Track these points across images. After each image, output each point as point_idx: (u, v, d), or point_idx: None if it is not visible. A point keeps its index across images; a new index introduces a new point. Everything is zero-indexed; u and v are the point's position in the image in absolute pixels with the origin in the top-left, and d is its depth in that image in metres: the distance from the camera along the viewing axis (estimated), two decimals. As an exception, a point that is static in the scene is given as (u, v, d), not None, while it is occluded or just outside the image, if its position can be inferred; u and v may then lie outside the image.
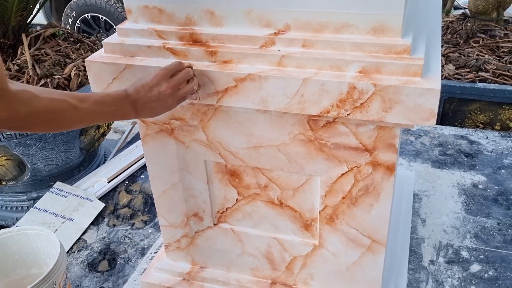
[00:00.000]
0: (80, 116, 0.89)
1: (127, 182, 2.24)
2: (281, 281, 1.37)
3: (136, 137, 2.70)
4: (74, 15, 4.18)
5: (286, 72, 0.96)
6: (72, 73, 2.03)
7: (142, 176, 2.27)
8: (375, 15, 0.91)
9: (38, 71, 1.96)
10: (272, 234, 1.30)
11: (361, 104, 0.93)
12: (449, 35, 2.73)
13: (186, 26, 1.05)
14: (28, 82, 1.94)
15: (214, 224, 1.35)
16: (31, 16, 2.17)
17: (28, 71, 1.94)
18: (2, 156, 1.95)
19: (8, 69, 2.00)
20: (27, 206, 2.14)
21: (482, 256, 1.61)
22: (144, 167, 2.30)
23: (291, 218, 1.25)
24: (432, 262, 1.60)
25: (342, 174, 1.11)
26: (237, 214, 1.31)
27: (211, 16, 1.03)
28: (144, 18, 1.07)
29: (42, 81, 1.95)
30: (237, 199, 1.28)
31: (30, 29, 2.21)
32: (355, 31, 0.94)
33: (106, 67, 1.08)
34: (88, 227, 1.97)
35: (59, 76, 1.99)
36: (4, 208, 2.19)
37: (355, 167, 1.08)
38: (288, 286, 1.36)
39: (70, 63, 2.10)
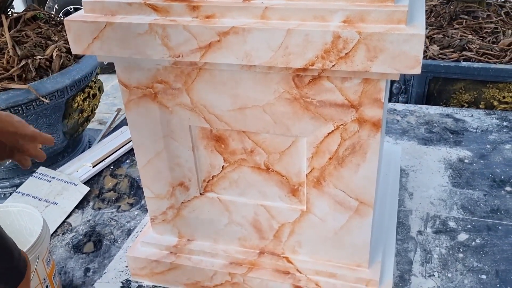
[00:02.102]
0: None
1: (112, 167, 2.20)
2: (269, 250, 1.35)
3: (121, 125, 2.67)
4: (57, 7, 4.13)
5: (270, 24, 0.95)
6: (54, 54, 1.99)
7: (127, 161, 2.24)
8: (358, -38, 0.90)
9: (19, 52, 1.93)
10: (259, 202, 1.28)
11: (346, 54, 0.92)
12: (433, 18, 2.75)
13: (168, -18, 1.03)
14: (8, 63, 1.91)
15: (201, 194, 1.33)
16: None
17: (8, 51, 1.91)
18: (-18, 139, 1.91)
19: (-12, 50, 1.96)
20: (10, 193, 2.09)
21: (469, 226, 1.61)
22: (129, 152, 2.27)
23: (278, 183, 1.24)
24: (420, 232, 1.60)
25: (329, 134, 1.10)
26: (224, 182, 1.29)
27: (192, -29, 1.01)
28: (124, -24, 1.05)
29: (23, 62, 1.91)
30: (223, 166, 1.26)
31: (10, 11, 2.17)
32: (338, -19, 0.93)
33: (86, 26, 1.05)
34: (73, 211, 1.93)
35: (40, 57, 1.95)
36: (-15, 195, 2.15)
37: (341, 125, 1.08)
38: (276, 255, 1.35)
39: (52, 44, 2.06)
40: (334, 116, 1.07)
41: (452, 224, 1.63)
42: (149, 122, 1.22)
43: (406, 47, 0.88)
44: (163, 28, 1.01)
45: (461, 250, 1.52)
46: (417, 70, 0.90)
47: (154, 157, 1.28)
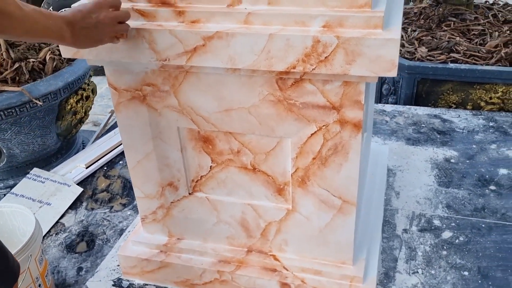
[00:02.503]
0: (22, 14, 0.86)
1: (105, 168, 2.23)
2: (256, 249, 1.39)
3: (115, 126, 2.70)
4: (51, 10, 4.16)
5: (253, 29, 0.99)
6: (47, 57, 2.02)
7: (120, 162, 2.27)
8: (337, -30, 0.94)
9: (12, 54, 1.95)
10: (246, 201, 1.31)
11: (325, 57, 0.96)
12: (422, 20, 2.79)
13: (155, -12, 1.07)
14: (1, 66, 1.93)
15: (189, 194, 1.36)
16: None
17: (2, 54, 1.93)
18: (-24, 141, 1.94)
19: (-18, 53, 1.98)
20: (4, 194, 2.12)
21: (454, 224, 1.65)
22: (122, 153, 2.30)
23: (264, 183, 1.27)
24: (405, 230, 1.64)
25: (312, 134, 1.14)
26: (212, 182, 1.32)
27: (178, -23, 1.04)
28: (112, -18, 1.08)
29: (17, 65, 1.94)
30: (211, 166, 1.29)
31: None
32: (318, -13, 0.97)
33: (75, 31, 1.08)
34: (66, 211, 1.96)
35: (33, 60, 1.98)
36: (-21, 196, 2.17)
37: (323, 126, 1.11)
38: (264, 253, 1.38)
39: (45, 47, 2.09)
40: (316, 118, 1.11)
41: (436, 222, 1.67)
42: (138, 124, 1.26)
43: (382, 51, 0.92)
44: (150, 33, 1.04)
45: (445, 248, 1.55)
46: (393, 73, 0.94)
47: (143, 158, 1.31)
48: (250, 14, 0.99)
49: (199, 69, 1.10)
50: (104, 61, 1.14)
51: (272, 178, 1.26)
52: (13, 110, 1.89)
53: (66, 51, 1.13)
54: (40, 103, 1.91)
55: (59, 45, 1.12)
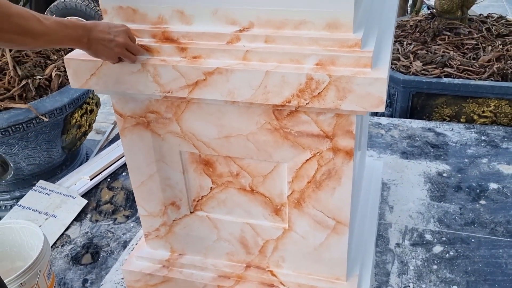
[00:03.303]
0: (43, 28, 0.95)
1: (109, 180, 2.30)
2: (255, 264, 1.46)
3: (118, 137, 2.77)
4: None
5: (250, 65, 1.05)
6: (53, 74, 2.09)
7: (123, 174, 2.34)
8: (329, 12, 1.01)
9: (19, 72, 2.02)
10: (245, 220, 1.38)
11: (318, 93, 1.02)
12: (418, 33, 2.85)
13: (158, 24, 1.13)
14: (9, 83, 2.00)
15: (191, 212, 1.43)
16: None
17: (9, 72, 2.00)
18: (-15, 156, 2.01)
19: (-10, 70, 2.05)
20: (11, 205, 2.19)
21: (444, 238, 1.72)
22: (125, 165, 2.37)
23: (262, 203, 1.34)
24: (398, 245, 1.70)
25: (307, 160, 1.20)
26: (212, 201, 1.39)
27: (181, 15, 1.11)
28: (119, 18, 1.15)
29: (23, 82, 2.01)
30: (211, 187, 1.36)
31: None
32: (312, 27, 1.04)
33: (84, 64, 1.15)
34: (71, 223, 2.03)
35: (40, 77, 2.05)
36: (-13, 207, 2.24)
37: (317, 153, 1.18)
38: (262, 269, 1.45)
39: (51, 64, 2.16)
40: (311, 145, 1.17)
41: (428, 236, 1.73)
42: (142, 148, 1.32)
43: (371, 89, 0.98)
44: (155, 67, 1.11)
45: (435, 262, 1.62)
46: (381, 109, 1.00)
47: (147, 179, 1.38)
48: (248, 51, 1.06)
49: (200, 100, 1.16)
50: (111, 91, 1.20)
51: (270, 199, 1.33)
52: (20, 126, 1.96)
53: (75, 82, 1.19)
54: (46, 119, 1.98)
55: (67, 75, 1.19)
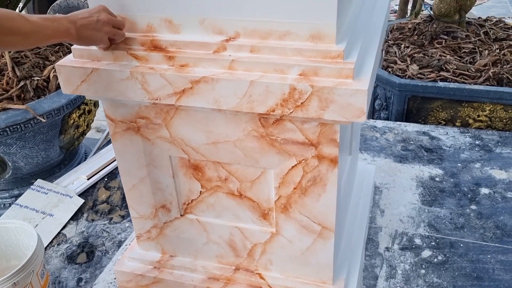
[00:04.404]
0: (30, 26, 0.97)
1: (106, 179, 2.33)
2: (243, 267, 1.48)
3: (116, 136, 2.79)
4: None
5: (236, 75, 1.08)
6: (51, 75, 2.12)
7: (120, 173, 2.36)
8: (312, 24, 1.02)
9: (18, 73, 2.05)
10: (234, 224, 1.41)
11: (301, 103, 1.05)
12: (416, 36, 2.86)
13: (147, 33, 1.16)
14: (7, 84, 2.03)
15: (181, 215, 1.45)
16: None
17: (8, 73, 2.03)
18: (-17, 155, 2.04)
19: (-11, 71, 2.08)
20: (9, 203, 2.22)
21: (433, 243, 1.74)
22: (122, 165, 2.40)
23: (250, 208, 1.37)
24: (387, 249, 1.72)
25: (292, 167, 1.22)
26: (202, 205, 1.42)
27: (169, 24, 1.13)
28: (109, 26, 1.17)
29: (22, 83, 2.04)
30: (200, 191, 1.39)
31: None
32: (296, 38, 1.06)
33: (75, 71, 1.18)
34: (68, 222, 2.07)
35: (38, 78, 2.08)
36: (-14, 205, 2.28)
37: (303, 160, 1.20)
38: (250, 272, 1.48)
39: (49, 65, 2.19)
40: (296, 152, 1.20)
41: (417, 241, 1.75)
42: (133, 152, 1.35)
43: (352, 100, 1.00)
44: (143, 75, 1.13)
45: (424, 267, 1.64)
46: (363, 119, 1.02)
47: (138, 182, 1.41)
48: (234, 61, 1.08)
49: (188, 107, 1.19)
50: (101, 97, 1.23)
51: (257, 203, 1.35)
52: (18, 127, 1.99)
53: (66, 88, 1.22)
54: (44, 120, 2.01)
55: (59, 81, 1.21)
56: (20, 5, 2.27)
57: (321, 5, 1.00)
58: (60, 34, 1.04)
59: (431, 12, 3.02)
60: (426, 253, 1.69)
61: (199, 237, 1.47)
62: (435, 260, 1.66)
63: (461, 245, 1.72)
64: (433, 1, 2.94)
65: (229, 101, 1.10)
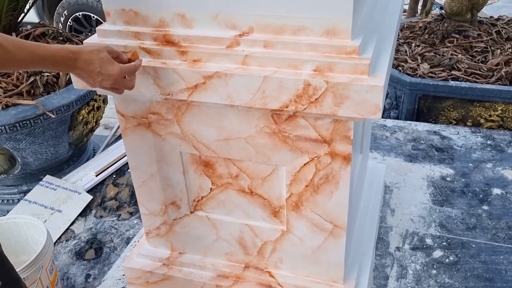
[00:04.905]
0: (9, 59, 0.89)
1: (114, 176, 2.33)
2: (253, 265, 1.47)
3: (124, 133, 2.79)
4: (66, 13, 4.27)
5: (249, 70, 1.06)
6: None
7: (129, 170, 2.36)
8: (327, 19, 1.01)
9: (28, 69, 2.05)
10: (244, 221, 1.40)
11: (315, 99, 1.03)
12: (427, 35, 2.84)
13: (160, 27, 1.15)
14: (18, 79, 2.03)
15: (191, 212, 1.44)
16: (22, 15, 2.26)
17: (18, 69, 2.03)
18: (-7, 150, 2.04)
19: (-1, 67, 2.08)
20: (18, 199, 2.22)
21: (445, 243, 1.72)
22: (131, 162, 2.39)
23: (260, 205, 1.35)
24: (398, 248, 1.71)
25: (305, 164, 1.21)
26: (212, 202, 1.40)
27: (182, 18, 1.12)
28: (121, 20, 1.17)
29: (32, 78, 2.04)
30: (211, 188, 1.38)
31: (21, 28, 2.30)
32: (310, 33, 1.04)
33: (86, 65, 1.17)
34: (76, 218, 2.06)
35: (48, 74, 2.08)
36: (-5, 200, 2.28)
37: (315, 157, 1.19)
38: (260, 270, 1.46)
39: (59, 61, 2.18)
40: (309, 149, 1.18)
41: (429, 241, 1.73)
42: (144, 148, 1.34)
43: (367, 96, 0.99)
44: (155, 70, 1.12)
45: (435, 267, 1.62)
46: (378, 116, 1.01)
47: (148, 178, 1.40)
48: (247, 56, 1.07)
49: (200, 102, 1.18)
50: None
51: (268, 201, 1.34)
52: (27, 122, 1.99)
53: (78, 82, 1.21)
54: (54, 116, 2.01)
55: (70, 75, 1.20)
56: (30, 1, 2.27)
57: (337, 0, 0.99)
58: (54, 67, 0.97)
59: (442, 11, 2.99)
60: (438, 253, 1.67)
61: (208, 234, 1.46)
62: (447, 260, 1.64)
63: (473, 245, 1.70)
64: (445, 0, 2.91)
65: (242, 97, 1.09)
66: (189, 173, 1.37)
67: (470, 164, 2.12)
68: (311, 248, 1.36)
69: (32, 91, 2.04)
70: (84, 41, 1.20)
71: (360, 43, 1.01)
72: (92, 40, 1.20)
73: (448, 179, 2.04)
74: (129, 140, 1.35)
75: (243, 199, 1.36)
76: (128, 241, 1.92)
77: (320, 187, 1.23)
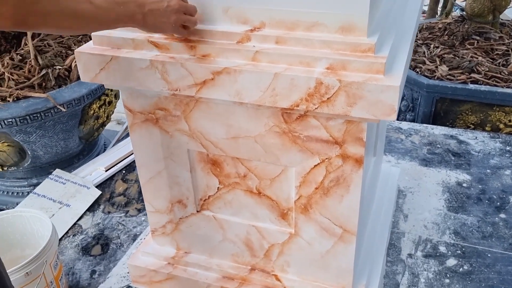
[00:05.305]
0: (93, 9, 0.89)
1: (124, 171, 2.31)
2: (260, 268, 1.43)
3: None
4: None
5: (259, 67, 1.03)
6: (73, 64, 2.10)
7: (138, 166, 2.34)
8: (342, 15, 0.97)
9: (40, 61, 2.04)
10: (251, 222, 1.36)
11: (327, 98, 0.99)
12: (446, 36, 2.76)
13: (169, 21, 1.11)
14: (29, 72, 2.02)
15: (197, 211, 1.41)
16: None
17: (31, 61, 2.02)
18: (3, 143, 2.04)
19: (12, 58, 2.08)
20: (28, 192, 2.22)
21: (459, 252, 1.66)
22: (141, 158, 2.37)
23: (268, 207, 1.31)
24: (410, 255, 1.65)
25: (315, 166, 1.17)
26: (219, 202, 1.37)
27: (192, 12, 1.09)
28: (130, 13, 1.13)
29: (44, 71, 2.03)
30: (218, 187, 1.34)
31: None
32: (324, 30, 1.00)
33: (94, 58, 1.14)
34: (84, 213, 2.05)
35: (60, 67, 2.07)
36: (5, 193, 2.28)
37: (326, 159, 1.14)
38: (267, 273, 1.43)
39: (72, 54, 2.17)
40: (320, 151, 1.14)
41: (442, 248, 1.68)
42: (151, 144, 1.31)
43: (382, 96, 0.94)
44: (163, 64, 1.09)
45: (448, 276, 1.57)
46: (393, 117, 0.96)
47: (155, 175, 1.37)
48: (258, 52, 1.03)
49: (209, 99, 1.14)
50: (120, 86, 1.19)
51: (276, 202, 1.30)
52: (38, 115, 1.98)
53: (85, 76, 1.19)
54: (64, 110, 2.00)
55: (78, 68, 1.18)
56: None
57: (352, -5, 0.94)
58: (125, 19, 0.96)
59: (463, 13, 2.91)
60: (451, 262, 1.62)
61: (215, 234, 1.43)
62: (461, 269, 1.59)
63: (489, 255, 1.64)
64: (466, 0, 2.84)
65: (251, 94, 1.05)
66: (196, 171, 1.34)
67: (488, 170, 2.05)
68: (319, 253, 1.32)
69: (44, 84, 2.03)
70: (92, 34, 1.17)
71: (376, 41, 0.97)
72: (100, 32, 1.17)
73: (464, 185, 1.98)
74: (136, 136, 1.32)
75: (250, 200, 1.32)
76: (135, 238, 1.90)
77: (330, 190, 1.19)
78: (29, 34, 2.12)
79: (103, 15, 0.92)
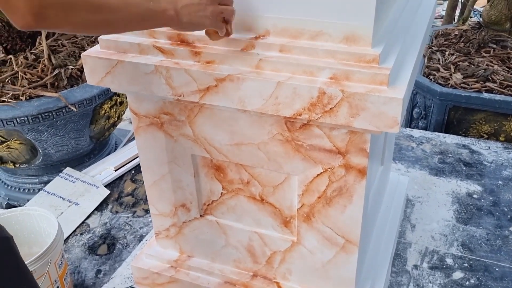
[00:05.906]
0: (120, 4, 0.82)
1: (133, 172, 2.33)
2: (261, 274, 1.43)
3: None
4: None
5: (263, 75, 1.02)
6: (85, 65, 2.12)
7: (148, 167, 2.35)
8: (347, 25, 0.96)
9: (53, 61, 2.07)
10: (253, 229, 1.35)
11: (330, 108, 0.98)
12: (462, 43, 2.72)
13: (175, 27, 1.12)
14: (43, 71, 2.05)
15: (201, 216, 1.41)
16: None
17: (44, 60, 2.05)
18: (15, 140, 2.07)
19: (26, 58, 2.11)
20: (39, 189, 2.25)
21: (466, 264, 1.63)
22: (150, 158, 2.38)
23: (271, 214, 1.31)
24: (415, 266, 1.63)
25: (318, 175, 1.16)
26: (222, 207, 1.37)
27: (198, 18, 1.09)
28: (137, 18, 1.14)
29: (56, 71, 2.05)
30: (221, 192, 1.34)
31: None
32: (328, 39, 0.99)
33: (100, 62, 1.15)
34: (92, 212, 2.07)
35: (72, 67, 2.09)
36: (17, 189, 2.32)
37: (329, 168, 1.13)
38: (268, 279, 1.42)
39: (84, 55, 2.20)
40: (323, 160, 1.13)
41: (449, 261, 1.65)
42: (155, 148, 1.32)
43: (385, 108, 0.93)
44: (167, 70, 1.09)
45: (454, 289, 1.54)
46: (396, 130, 0.95)
47: (159, 179, 1.38)
48: (262, 60, 1.02)
49: (212, 105, 1.14)
50: (125, 90, 1.20)
51: (279, 210, 1.29)
52: (50, 114, 2.00)
53: (91, 79, 1.20)
54: (75, 109, 2.02)
55: (84, 71, 1.19)
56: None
57: (358, 5, 0.93)
58: (156, 16, 0.88)
59: (480, 19, 2.86)
60: (458, 275, 1.59)
61: (217, 239, 1.43)
62: (467, 283, 1.56)
63: (497, 269, 1.60)
64: (483, 7, 2.79)
65: (254, 102, 1.05)
66: (200, 176, 1.34)
67: (500, 182, 2.01)
68: (321, 262, 1.30)
69: (56, 83, 2.06)
70: (99, 38, 1.18)
71: (381, 52, 0.95)
72: (107, 36, 1.18)
73: (475, 196, 1.94)
74: (142, 140, 1.33)
75: (253, 206, 1.32)
76: (141, 239, 1.91)
77: (332, 199, 1.18)
78: (43, 33, 2.14)
79: (133, 11, 0.85)
